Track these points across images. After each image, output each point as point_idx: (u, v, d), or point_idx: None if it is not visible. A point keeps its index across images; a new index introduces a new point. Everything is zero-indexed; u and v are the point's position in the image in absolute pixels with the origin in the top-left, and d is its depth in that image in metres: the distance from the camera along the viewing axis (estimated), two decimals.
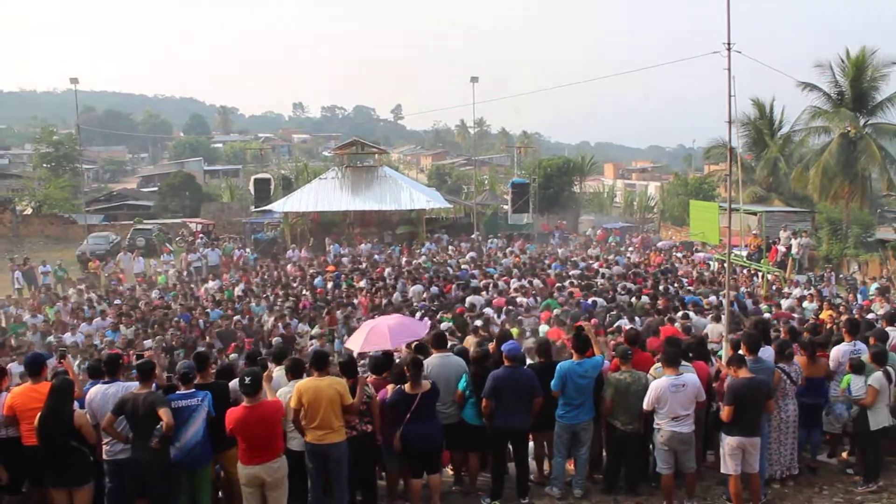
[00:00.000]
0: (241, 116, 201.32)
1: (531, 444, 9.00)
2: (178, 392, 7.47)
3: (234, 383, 8.11)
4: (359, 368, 8.95)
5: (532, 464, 9.04)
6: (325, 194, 37.43)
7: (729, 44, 11.97)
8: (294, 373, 7.97)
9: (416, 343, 9.79)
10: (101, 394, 7.53)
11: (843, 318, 13.10)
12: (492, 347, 9.27)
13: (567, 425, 8.44)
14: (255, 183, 41.12)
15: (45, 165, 58.25)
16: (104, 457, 7.46)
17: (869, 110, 34.02)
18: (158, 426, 6.98)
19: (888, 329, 10.53)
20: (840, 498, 8.58)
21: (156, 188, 62.87)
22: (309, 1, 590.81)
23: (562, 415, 8.44)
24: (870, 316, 15.12)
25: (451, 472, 9.28)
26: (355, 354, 11.48)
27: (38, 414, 7.03)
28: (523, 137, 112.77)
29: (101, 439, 7.42)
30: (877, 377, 8.64)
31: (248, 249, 34.36)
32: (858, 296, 21.53)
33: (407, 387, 8.02)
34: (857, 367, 8.76)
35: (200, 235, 38.65)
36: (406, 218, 39.60)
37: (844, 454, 9.69)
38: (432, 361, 8.54)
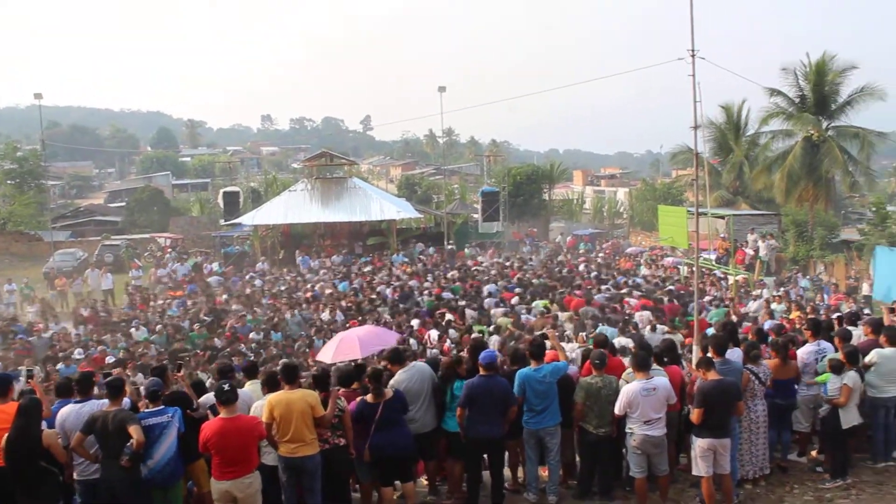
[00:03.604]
0: (210, 130, 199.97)
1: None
2: (147, 410, 7.39)
3: (204, 398, 8.06)
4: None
5: (506, 472, 9.05)
6: (294, 207, 37.32)
7: (693, 51, 12.17)
8: (270, 386, 7.94)
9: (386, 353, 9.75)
10: (74, 413, 7.39)
11: (810, 317, 13.32)
12: (465, 355, 9.28)
13: (532, 431, 8.51)
14: (224, 196, 40.94)
15: (9, 182, 57.27)
16: (76, 476, 7.35)
17: (830, 114, 34.59)
18: (129, 444, 6.90)
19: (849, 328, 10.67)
20: (810, 496, 8.69)
21: (123, 203, 62.30)
22: (274, 14, 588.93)
23: (526, 420, 8.51)
24: (835, 316, 15.35)
25: (425, 483, 9.26)
26: (327, 361, 11.54)
27: (6, 434, 6.90)
28: (492, 146, 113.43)
29: (72, 459, 7.32)
30: (851, 376, 8.78)
31: (216, 263, 34.08)
32: (825, 296, 21.90)
33: (369, 397, 8.02)
34: (837, 368, 8.85)
35: (169, 250, 38.35)
36: (376, 229, 39.57)
37: (814, 453, 9.82)
38: (398, 378, 8.48)
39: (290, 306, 21.84)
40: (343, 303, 22.05)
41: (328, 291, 24.67)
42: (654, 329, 15.48)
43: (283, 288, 26.36)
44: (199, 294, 25.99)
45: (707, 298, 20.55)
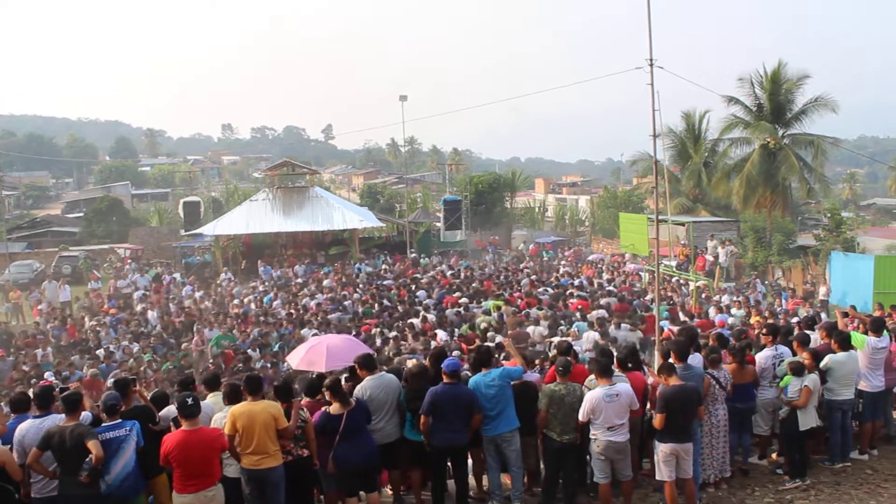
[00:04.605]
0: (169, 139, 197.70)
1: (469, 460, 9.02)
2: (104, 424, 7.26)
3: (165, 411, 7.96)
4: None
5: (471, 480, 9.05)
6: (256, 216, 37.03)
7: (651, 60, 12.32)
8: (231, 398, 7.85)
9: (350, 367, 9.65)
10: (34, 428, 7.24)
11: (768, 322, 13.54)
12: (428, 363, 9.27)
13: (489, 437, 8.50)
14: (185, 206, 40.58)
15: None
16: (34, 494, 7.19)
17: (786, 122, 35.19)
18: (87, 459, 6.78)
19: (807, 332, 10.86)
20: (771, 498, 8.82)
21: (81, 214, 61.31)
22: (235, 22, 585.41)
23: (482, 427, 8.50)
24: (793, 320, 15.63)
25: (390, 492, 9.22)
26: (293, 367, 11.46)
27: None
28: (454, 154, 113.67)
29: (29, 476, 7.17)
30: (811, 379, 8.97)
31: (177, 274, 33.67)
32: (782, 300, 22.25)
33: (332, 408, 7.98)
34: (797, 370, 9.01)
35: (129, 261, 37.83)
36: (339, 238, 39.42)
37: (774, 455, 9.96)
38: (367, 384, 8.48)
39: (219, 323, 21.23)
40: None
41: (253, 307, 24.20)
42: (618, 326, 16.23)
43: (208, 304, 25.55)
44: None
45: (649, 297, 22.10)
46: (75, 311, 26.00)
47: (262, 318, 21.78)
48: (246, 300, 25.73)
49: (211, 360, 17.70)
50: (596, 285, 24.30)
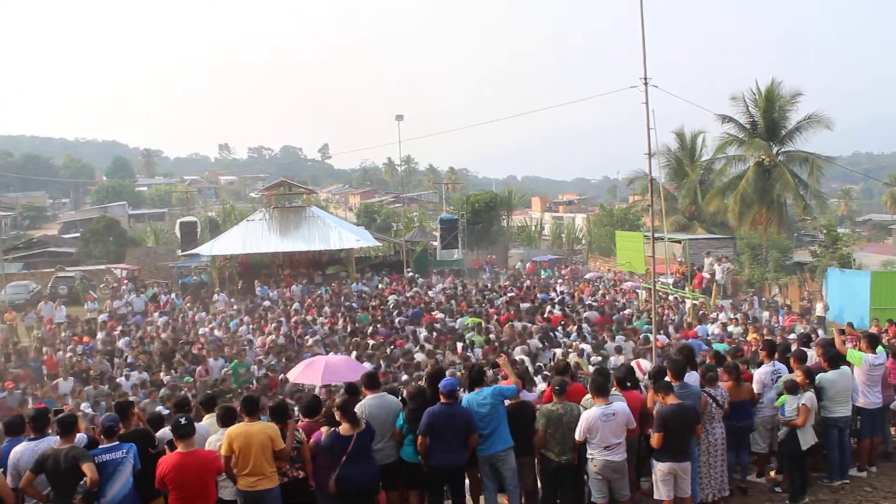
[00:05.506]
0: (166, 159, 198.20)
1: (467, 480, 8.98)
2: (101, 446, 7.22)
3: (160, 433, 7.92)
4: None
5: (468, 501, 9.00)
6: (253, 236, 37.00)
7: (646, 78, 12.40)
8: (225, 420, 7.81)
9: (347, 384, 9.63)
10: (29, 451, 7.18)
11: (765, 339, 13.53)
12: (424, 384, 9.26)
13: (484, 457, 8.45)
14: (182, 226, 40.57)
15: None
16: None
17: (780, 139, 35.38)
18: (82, 482, 6.73)
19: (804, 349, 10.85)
20: None
21: (78, 234, 61.20)
22: (234, 42, 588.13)
23: (477, 447, 8.44)
24: (790, 337, 15.64)
25: None
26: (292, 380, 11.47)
27: None
28: (450, 173, 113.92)
29: (23, 501, 7.11)
30: (808, 397, 8.94)
31: (174, 294, 33.60)
32: (779, 317, 22.28)
33: (341, 428, 7.93)
34: (792, 389, 8.98)
35: (126, 282, 37.77)
36: (336, 258, 39.40)
37: (772, 473, 9.92)
38: (368, 402, 8.46)
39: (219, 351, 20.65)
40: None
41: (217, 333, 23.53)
42: (612, 339, 16.79)
43: (169, 332, 24.34)
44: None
45: (627, 311, 23.00)
46: (31, 342, 24.95)
47: (240, 347, 21.12)
48: (209, 327, 24.79)
49: (255, 385, 16.47)
50: (576, 300, 25.40)
